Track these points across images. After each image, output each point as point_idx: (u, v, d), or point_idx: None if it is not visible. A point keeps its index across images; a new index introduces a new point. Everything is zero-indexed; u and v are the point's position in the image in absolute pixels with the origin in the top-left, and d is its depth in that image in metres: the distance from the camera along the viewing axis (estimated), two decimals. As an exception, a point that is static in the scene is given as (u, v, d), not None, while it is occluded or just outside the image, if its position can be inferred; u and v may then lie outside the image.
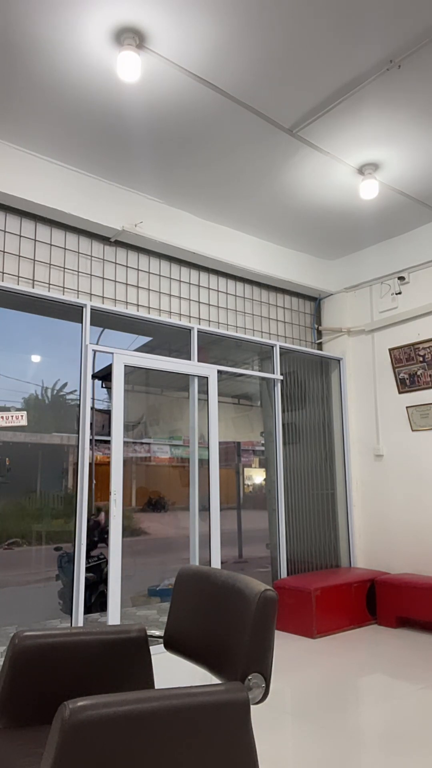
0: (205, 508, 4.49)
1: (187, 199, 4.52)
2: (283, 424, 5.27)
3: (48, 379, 4.65)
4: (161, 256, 4.76)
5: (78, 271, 4.24)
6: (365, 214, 4.84)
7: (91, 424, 3.98)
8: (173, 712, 1.41)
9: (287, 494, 5.16)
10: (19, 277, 3.94)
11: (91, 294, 4.28)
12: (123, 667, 1.98)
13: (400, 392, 5.21)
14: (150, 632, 2.07)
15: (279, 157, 3.97)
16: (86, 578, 4.84)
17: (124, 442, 4.09)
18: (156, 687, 2.45)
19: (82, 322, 4.13)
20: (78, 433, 3.96)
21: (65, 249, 4.21)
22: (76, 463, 3.93)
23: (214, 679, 3.24)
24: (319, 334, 5.89)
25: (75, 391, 4.22)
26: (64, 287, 4.14)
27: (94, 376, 4.51)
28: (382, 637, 4.38)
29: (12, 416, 3.80)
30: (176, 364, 4.48)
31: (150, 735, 1.38)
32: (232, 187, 4.35)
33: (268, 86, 3.27)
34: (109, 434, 4.02)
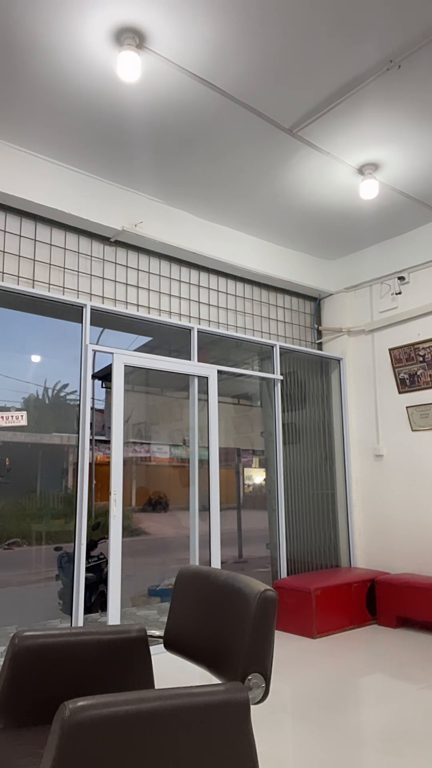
0: (205, 508, 4.49)
1: (187, 199, 4.52)
2: (283, 424, 5.27)
3: (48, 379, 4.65)
4: (161, 256, 4.76)
5: (78, 271, 4.24)
6: (365, 214, 4.84)
7: (91, 424, 3.98)
8: (173, 712, 1.41)
9: (287, 494, 5.16)
10: (19, 277, 3.94)
11: (91, 294, 4.28)
12: (123, 667, 1.98)
13: (400, 392, 5.20)
14: (150, 632, 2.07)
15: (279, 157, 3.97)
16: (86, 578, 4.84)
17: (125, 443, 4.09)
18: (156, 687, 2.45)
19: (82, 322, 4.13)
20: (78, 433, 3.96)
21: (65, 249, 4.21)
22: (76, 463, 3.93)
23: (214, 679, 3.24)
24: (319, 334, 5.89)
25: (75, 391, 4.22)
26: (64, 287, 4.14)
27: (94, 376, 4.52)
28: (382, 637, 4.37)
29: (12, 416, 3.80)
30: (176, 364, 4.48)
31: (150, 735, 1.38)
32: (232, 187, 4.35)
33: (268, 86, 3.27)
34: (108, 434, 4.02)
